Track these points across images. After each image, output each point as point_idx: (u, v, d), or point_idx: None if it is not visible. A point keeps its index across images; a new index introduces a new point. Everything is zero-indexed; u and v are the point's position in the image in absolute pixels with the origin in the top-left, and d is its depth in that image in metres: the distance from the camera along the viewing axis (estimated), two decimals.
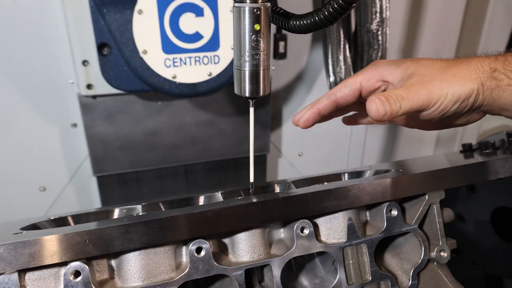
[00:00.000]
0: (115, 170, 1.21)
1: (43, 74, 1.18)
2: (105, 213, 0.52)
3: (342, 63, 1.02)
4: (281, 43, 1.27)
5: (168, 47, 0.96)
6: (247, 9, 0.45)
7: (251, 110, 0.52)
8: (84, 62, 1.09)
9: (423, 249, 0.51)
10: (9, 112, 1.18)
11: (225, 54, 1.00)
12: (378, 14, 0.91)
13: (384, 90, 0.48)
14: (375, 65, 0.48)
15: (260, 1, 0.45)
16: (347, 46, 1.02)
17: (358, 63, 1.06)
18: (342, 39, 0.99)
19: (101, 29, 0.98)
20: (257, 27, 0.46)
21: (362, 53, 1.02)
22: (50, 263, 0.38)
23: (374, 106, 0.43)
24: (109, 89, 1.09)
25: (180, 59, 0.97)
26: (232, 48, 0.95)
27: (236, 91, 0.50)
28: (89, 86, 1.11)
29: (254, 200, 0.44)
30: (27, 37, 1.14)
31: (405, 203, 0.54)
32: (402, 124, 0.54)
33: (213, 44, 0.98)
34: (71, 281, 0.40)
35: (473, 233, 0.75)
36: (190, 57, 0.97)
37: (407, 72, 0.45)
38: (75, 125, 1.24)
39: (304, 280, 0.51)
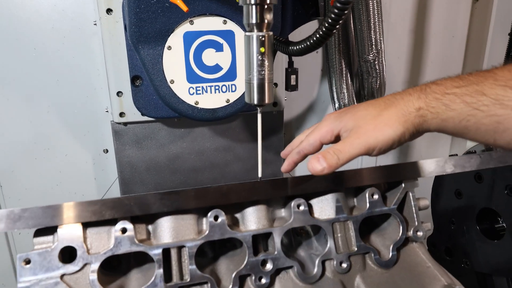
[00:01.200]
0: (141, 191, 1.38)
1: (82, 105, 1.40)
2: None
3: (345, 90, 1.19)
4: (293, 77, 1.45)
5: (192, 77, 1.15)
6: (254, 36, 0.62)
7: (259, 116, 0.68)
8: (119, 93, 1.29)
9: (401, 228, 0.64)
10: (51, 139, 1.38)
11: (241, 83, 1.18)
12: (373, 46, 1.08)
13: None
14: (327, 121, 0.63)
15: (264, 31, 0.63)
16: (348, 75, 1.19)
17: (361, 91, 1.23)
18: (343, 69, 1.17)
19: (135, 64, 1.19)
20: (262, 50, 0.63)
21: (363, 81, 1.19)
22: (105, 218, 0.54)
23: (311, 165, 0.57)
24: (138, 117, 1.28)
25: (202, 87, 1.15)
26: None
27: (246, 100, 0.66)
28: (121, 114, 1.31)
29: (259, 180, 0.59)
30: (71, 74, 1.37)
31: (387, 192, 0.67)
32: None
33: (231, 75, 1.17)
34: (119, 236, 0.55)
35: (463, 235, 0.87)
36: (210, 86, 1.15)
37: (348, 127, 0.60)
38: (106, 150, 1.43)
39: (301, 252, 0.64)
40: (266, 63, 0.63)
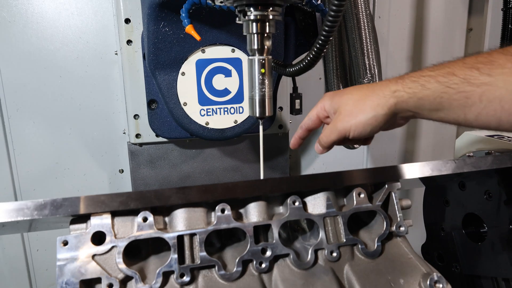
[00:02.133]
0: None
1: (101, 128, 1.55)
2: None
3: None
4: (297, 101, 1.60)
5: (203, 100, 1.30)
6: (256, 60, 0.77)
7: (261, 127, 0.81)
8: (135, 116, 1.44)
9: (385, 223, 0.75)
10: (71, 159, 1.53)
11: (248, 105, 1.32)
12: (368, 71, 1.22)
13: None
14: (323, 99, 0.80)
15: (264, 55, 0.77)
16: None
17: None
18: None
19: (151, 89, 1.35)
20: (263, 70, 0.77)
21: None
22: (130, 208, 0.66)
23: (315, 148, 0.80)
24: (153, 138, 1.44)
25: (212, 109, 1.30)
26: None
27: (249, 113, 0.80)
28: (137, 136, 1.46)
29: (260, 179, 0.72)
30: (92, 99, 1.53)
31: (373, 193, 0.79)
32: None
33: (239, 98, 1.32)
34: (141, 223, 0.67)
35: (451, 240, 0.97)
36: (220, 108, 1.30)
37: (335, 107, 0.77)
38: (122, 170, 1.57)
39: (297, 244, 0.76)
40: (266, 82, 0.77)
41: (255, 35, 0.75)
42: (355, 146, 1.37)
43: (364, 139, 0.83)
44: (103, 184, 1.57)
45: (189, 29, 0.90)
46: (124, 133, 1.53)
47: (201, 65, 1.25)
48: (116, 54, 1.49)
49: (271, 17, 0.73)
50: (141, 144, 1.48)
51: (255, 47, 0.76)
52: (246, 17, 0.73)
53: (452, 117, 0.65)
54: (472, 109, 0.61)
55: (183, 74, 1.24)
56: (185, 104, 1.26)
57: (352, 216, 0.77)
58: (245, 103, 1.31)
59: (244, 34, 0.77)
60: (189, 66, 1.24)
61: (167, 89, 1.26)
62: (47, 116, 1.52)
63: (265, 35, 0.75)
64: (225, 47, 1.25)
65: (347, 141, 0.80)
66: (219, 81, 1.28)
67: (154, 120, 1.39)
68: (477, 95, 0.60)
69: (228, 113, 1.30)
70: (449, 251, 0.98)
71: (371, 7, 1.50)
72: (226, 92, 1.29)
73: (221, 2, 0.76)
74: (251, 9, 0.72)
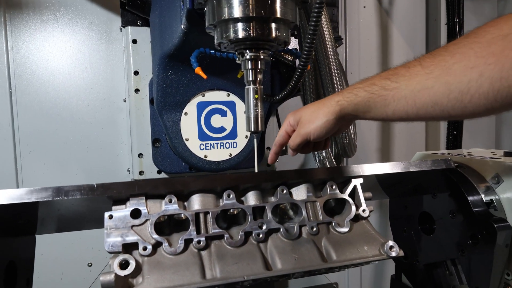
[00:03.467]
0: None
1: (106, 168, 1.84)
2: None
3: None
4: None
5: (203, 136, 1.62)
6: (251, 88, 1.10)
7: (255, 140, 1.13)
8: (139, 155, 1.75)
9: (352, 208, 1.05)
10: None
11: (241, 141, 1.65)
12: None
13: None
14: (287, 118, 1.15)
15: (257, 85, 1.11)
16: None
17: (333, 145, 1.70)
18: None
19: (156, 129, 1.68)
20: (256, 96, 1.10)
21: (335, 138, 1.66)
22: (159, 193, 0.95)
23: (288, 152, 1.14)
24: (155, 175, 1.73)
25: (210, 144, 1.62)
26: (246, 137, 1.61)
27: (246, 129, 1.12)
28: (140, 172, 1.75)
29: (255, 172, 1.02)
30: (99, 142, 1.84)
31: (343, 188, 1.09)
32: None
33: (233, 134, 1.64)
34: (168, 203, 0.95)
35: (411, 238, 1.26)
36: (217, 143, 1.62)
37: (297, 120, 1.11)
38: None
39: (285, 225, 1.04)
40: (259, 104, 1.10)
41: (250, 70, 1.09)
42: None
43: (324, 144, 1.17)
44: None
45: (198, 70, 1.24)
46: (128, 171, 1.81)
47: (201, 106, 1.59)
48: (125, 101, 1.82)
49: (262, 57, 1.07)
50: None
51: (250, 79, 1.09)
52: (243, 57, 1.08)
53: (379, 115, 0.98)
54: (390, 107, 0.94)
55: (186, 114, 1.57)
56: (187, 139, 1.58)
57: (327, 209, 1.06)
58: (239, 139, 1.63)
59: (242, 70, 1.11)
60: (191, 107, 1.58)
61: (172, 127, 1.58)
62: (57, 158, 1.81)
63: (258, 70, 1.09)
64: (222, 92, 1.60)
65: (309, 145, 1.15)
66: (216, 120, 1.61)
67: (157, 157, 1.69)
68: (391, 96, 0.93)
69: (224, 147, 1.61)
70: (411, 249, 1.26)
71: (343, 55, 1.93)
72: (222, 129, 1.62)
73: (224, 48, 1.10)
74: (247, 51, 1.06)
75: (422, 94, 0.88)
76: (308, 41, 1.00)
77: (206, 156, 1.60)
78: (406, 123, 2.26)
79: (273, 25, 1.02)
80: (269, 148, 1.88)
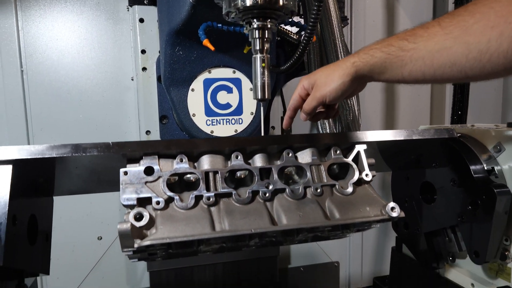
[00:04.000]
0: None
1: None
2: None
3: (326, 125, 1.73)
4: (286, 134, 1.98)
5: (209, 112, 1.68)
6: (258, 57, 1.16)
7: (261, 109, 1.19)
8: (147, 132, 1.81)
9: (355, 172, 1.11)
10: None
11: (246, 117, 1.71)
12: None
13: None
14: (301, 81, 1.19)
15: (264, 54, 1.17)
16: None
17: (337, 122, 1.77)
18: None
19: (163, 106, 1.74)
20: (263, 64, 1.16)
21: (340, 115, 1.73)
22: (171, 153, 1.01)
23: (300, 117, 1.16)
24: None
25: (216, 120, 1.68)
26: (251, 114, 1.68)
27: (253, 97, 1.18)
28: None
29: (262, 135, 1.08)
30: (107, 121, 1.91)
31: (347, 153, 1.15)
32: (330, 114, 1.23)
33: (239, 111, 1.71)
34: (179, 163, 1.02)
35: (413, 209, 1.32)
36: (223, 119, 1.68)
37: (311, 83, 1.15)
38: None
39: (292, 187, 1.10)
40: (266, 73, 1.16)
41: (258, 39, 1.15)
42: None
43: (335, 112, 1.23)
44: (114, 197, 1.88)
45: (206, 42, 1.30)
46: None
47: (207, 83, 1.66)
48: (132, 80, 1.89)
49: (269, 26, 1.13)
50: None
51: (258, 48, 1.15)
52: (251, 26, 1.14)
53: (394, 77, 1.03)
54: (406, 68, 0.99)
55: (192, 90, 1.64)
56: (193, 115, 1.65)
57: (331, 174, 1.13)
58: (244, 116, 1.70)
59: (250, 40, 1.17)
60: (197, 84, 1.64)
61: (179, 103, 1.64)
62: (66, 135, 1.87)
63: (265, 39, 1.15)
64: (228, 69, 1.66)
65: (322, 113, 1.19)
66: (222, 97, 1.67)
67: (165, 134, 1.76)
68: (408, 57, 0.98)
69: (229, 124, 1.68)
70: (412, 218, 1.32)
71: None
72: (228, 106, 1.68)
73: (232, 18, 1.16)
74: (254, 20, 1.12)
75: (441, 54, 0.92)
76: (315, 8, 1.06)
77: (212, 132, 1.66)
78: (411, 99, 2.32)
79: None
80: (273, 128, 1.94)
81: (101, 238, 1.93)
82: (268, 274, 2.07)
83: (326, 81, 1.11)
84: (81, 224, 1.91)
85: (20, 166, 0.93)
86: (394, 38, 1.02)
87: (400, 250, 1.49)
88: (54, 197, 1.17)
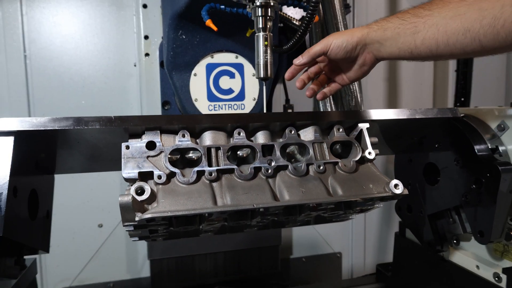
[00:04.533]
0: None
1: None
2: None
3: (328, 107, 1.72)
4: (289, 111, 1.99)
5: (211, 97, 1.68)
6: (261, 35, 1.16)
7: (264, 88, 1.19)
8: None
9: (358, 149, 1.11)
10: None
11: (249, 103, 1.71)
12: None
13: None
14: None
15: (267, 32, 1.17)
16: (331, 99, 1.73)
17: (339, 108, 1.76)
18: None
19: (165, 92, 1.74)
20: (266, 43, 1.16)
21: (342, 100, 1.72)
22: (173, 128, 1.01)
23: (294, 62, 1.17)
24: None
25: (219, 105, 1.68)
26: (253, 99, 1.67)
27: (255, 76, 1.18)
28: None
29: (264, 112, 1.08)
30: (109, 106, 1.91)
31: (350, 132, 1.15)
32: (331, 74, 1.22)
33: (241, 96, 1.71)
34: (181, 139, 1.02)
35: (416, 191, 1.32)
36: (225, 104, 1.68)
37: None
38: None
39: (294, 164, 1.10)
40: (268, 51, 1.16)
41: (260, 17, 1.15)
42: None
43: (336, 86, 1.23)
44: (114, 184, 1.89)
45: (209, 22, 1.30)
46: None
47: (210, 67, 1.66)
48: (135, 65, 1.89)
49: (272, 3, 1.13)
50: None
51: (260, 26, 1.15)
52: (254, 4, 1.14)
53: (406, 44, 1.03)
54: (419, 34, 1.00)
55: (195, 75, 1.64)
56: (196, 100, 1.65)
57: (334, 153, 1.12)
58: (246, 101, 1.70)
59: (252, 19, 1.17)
60: (200, 68, 1.64)
61: (181, 87, 1.64)
62: None
63: (268, 17, 1.15)
64: (230, 54, 1.66)
65: (325, 63, 1.21)
66: (224, 82, 1.67)
67: None
68: (421, 23, 0.99)
69: (232, 109, 1.68)
70: (415, 201, 1.32)
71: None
72: (230, 91, 1.68)
73: None
74: None
75: (454, 20, 0.93)
76: None
77: None
78: (413, 88, 2.31)
79: None
80: None
81: (101, 226, 1.94)
82: (269, 264, 2.07)
83: (335, 35, 1.13)
84: (82, 211, 1.91)
85: (21, 138, 0.94)
86: (411, 8, 1.04)
87: (404, 235, 1.48)
88: (55, 184, 1.17)
